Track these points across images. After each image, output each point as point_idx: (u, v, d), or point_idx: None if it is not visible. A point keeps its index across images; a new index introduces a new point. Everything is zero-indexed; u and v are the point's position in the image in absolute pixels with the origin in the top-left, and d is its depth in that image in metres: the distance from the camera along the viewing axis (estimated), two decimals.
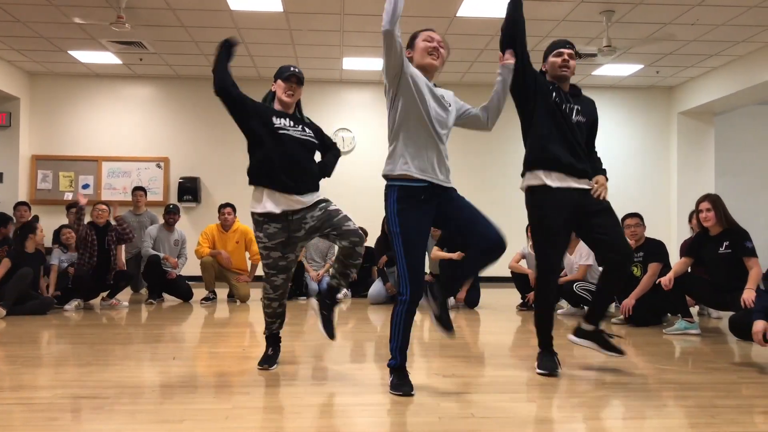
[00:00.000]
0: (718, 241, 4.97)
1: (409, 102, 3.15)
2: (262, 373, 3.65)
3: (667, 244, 6.21)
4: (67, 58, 9.27)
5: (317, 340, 4.90)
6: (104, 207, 6.96)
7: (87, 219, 6.84)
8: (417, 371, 3.70)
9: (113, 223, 7.03)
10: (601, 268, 6.54)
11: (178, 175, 10.27)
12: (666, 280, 5.05)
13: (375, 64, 9.52)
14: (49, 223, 8.82)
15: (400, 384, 3.16)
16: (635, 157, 10.72)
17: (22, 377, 3.51)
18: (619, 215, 7.51)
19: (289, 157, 3.63)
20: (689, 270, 5.32)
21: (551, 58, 3.72)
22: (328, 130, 9.70)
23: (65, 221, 8.11)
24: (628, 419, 2.85)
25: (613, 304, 6.59)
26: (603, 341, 3.76)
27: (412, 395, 3.10)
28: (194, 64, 9.59)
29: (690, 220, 6.59)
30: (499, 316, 6.53)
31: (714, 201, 5.00)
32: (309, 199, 3.63)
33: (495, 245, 3.15)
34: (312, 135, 3.77)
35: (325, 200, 3.71)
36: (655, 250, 5.85)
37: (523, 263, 7.06)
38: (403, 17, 7.66)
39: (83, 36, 8.27)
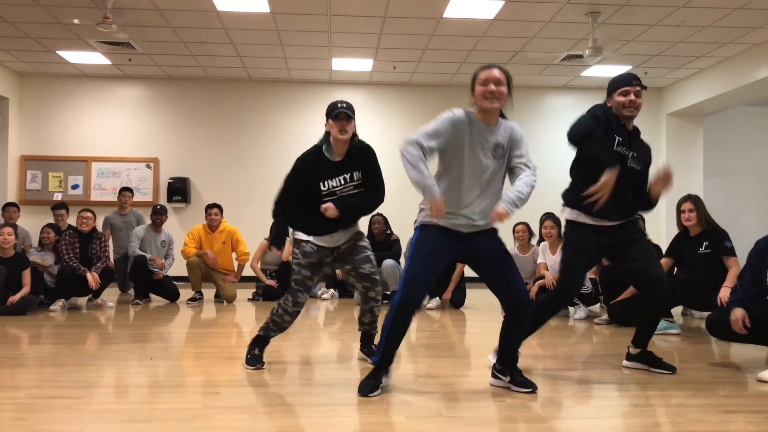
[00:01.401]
0: (697, 242, 5.00)
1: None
2: (238, 373, 3.66)
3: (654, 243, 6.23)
4: (55, 58, 9.27)
5: (303, 340, 4.92)
6: (89, 215, 6.93)
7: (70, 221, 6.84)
8: (399, 371, 3.72)
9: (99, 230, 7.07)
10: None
11: (167, 175, 10.26)
12: None
13: (365, 65, 9.53)
14: (38, 223, 8.80)
15: (363, 385, 3.19)
16: None
17: None
18: None
19: (335, 221, 3.73)
20: (675, 271, 5.35)
21: (617, 97, 3.57)
22: (319, 132, 9.71)
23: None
24: (593, 419, 2.87)
25: (598, 305, 6.61)
26: (652, 361, 3.77)
27: (368, 396, 3.10)
28: (183, 64, 9.59)
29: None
30: (483, 317, 6.55)
31: (696, 201, 5.03)
32: (345, 236, 3.81)
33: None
34: (360, 181, 3.76)
35: (360, 233, 3.89)
36: None
37: None
38: (391, 18, 7.74)
39: (71, 36, 8.27)
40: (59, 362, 3.93)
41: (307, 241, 3.76)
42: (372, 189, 3.79)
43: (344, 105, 3.73)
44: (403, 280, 3.15)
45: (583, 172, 3.61)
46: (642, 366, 3.79)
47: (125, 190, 8.48)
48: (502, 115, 3.23)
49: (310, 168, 3.75)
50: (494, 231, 3.30)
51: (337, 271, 8.01)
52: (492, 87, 3.07)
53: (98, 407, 2.91)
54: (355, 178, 3.75)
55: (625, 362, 3.89)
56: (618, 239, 3.61)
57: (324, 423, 2.73)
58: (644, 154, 3.71)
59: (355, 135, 3.79)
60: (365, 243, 3.88)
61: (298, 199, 3.78)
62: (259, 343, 3.91)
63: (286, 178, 3.82)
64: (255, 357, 3.84)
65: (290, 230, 3.90)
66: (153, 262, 7.41)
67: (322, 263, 3.81)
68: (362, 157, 3.78)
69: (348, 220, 3.81)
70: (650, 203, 3.73)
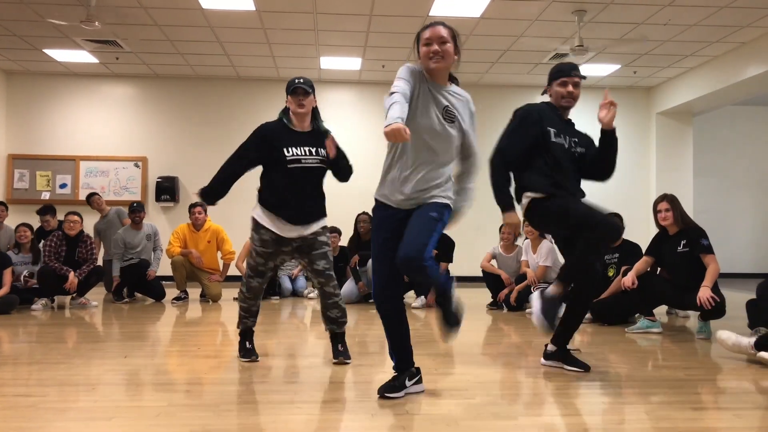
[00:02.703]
0: (676, 241, 4.99)
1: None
2: (212, 372, 3.63)
3: (644, 244, 6.19)
4: (42, 56, 9.23)
5: (290, 339, 4.90)
6: (76, 218, 6.88)
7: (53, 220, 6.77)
8: (379, 368, 3.69)
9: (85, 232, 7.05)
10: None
11: (156, 174, 10.23)
12: (629, 282, 5.05)
13: (353, 63, 9.50)
14: (26, 222, 8.77)
15: (384, 386, 3.08)
16: None
17: None
18: None
19: (299, 189, 3.77)
20: (658, 271, 5.33)
21: (556, 87, 3.59)
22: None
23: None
24: (561, 416, 2.84)
25: None
26: (567, 359, 3.72)
27: (387, 397, 3.00)
28: (171, 63, 9.56)
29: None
30: (469, 315, 6.48)
31: (672, 200, 5.02)
32: (310, 230, 3.80)
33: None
34: (324, 156, 3.80)
35: (325, 227, 3.88)
36: (631, 252, 5.86)
37: (494, 263, 7.04)
38: (377, 17, 7.72)
39: (57, 34, 8.23)
40: (33, 360, 3.90)
41: (267, 229, 3.78)
42: (338, 168, 3.88)
43: (302, 80, 3.81)
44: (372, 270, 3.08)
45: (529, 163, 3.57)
46: (557, 364, 3.73)
47: (92, 196, 8.36)
48: (454, 79, 3.04)
49: (273, 134, 3.79)
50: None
51: None
52: (435, 47, 2.86)
53: (62, 405, 2.88)
54: (321, 154, 3.79)
55: (542, 360, 3.82)
56: None
57: (286, 420, 2.70)
58: (584, 139, 3.73)
59: (316, 111, 3.88)
60: (325, 238, 3.87)
61: (265, 177, 3.84)
62: (244, 336, 4.01)
63: (241, 145, 3.88)
64: (247, 350, 3.94)
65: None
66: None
67: (279, 253, 3.85)
68: (324, 138, 3.83)
69: (315, 214, 3.81)
70: (609, 163, 3.70)
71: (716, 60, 9.02)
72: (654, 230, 9.96)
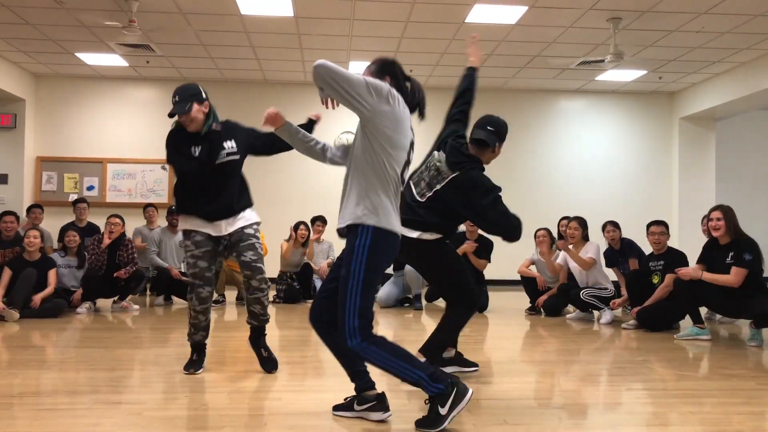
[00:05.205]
0: (725, 251, 5.06)
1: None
2: (281, 377, 3.68)
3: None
4: (73, 60, 9.27)
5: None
6: (117, 221, 6.94)
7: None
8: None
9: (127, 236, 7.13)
10: (605, 268, 6.64)
11: None
12: (695, 272, 5.12)
13: None
14: (53, 224, 8.82)
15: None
16: (636, 162, 10.81)
17: (53, 382, 3.54)
18: (617, 219, 7.46)
19: (208, 187, 3.68)
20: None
21: None
22: (334, 133, 9.75)
23: (68, 220, 8.12)
24: (651, 426, 2.91)
25: (620, 310, 6.64)
26: (462, 362, 3.83)
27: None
28: (201, 66, 9.61)
29: (702, 223, 6.68)
30: (507, 321, 6.57)
31: (726, 212, 5.10)
32: (232, 222, 3.73)
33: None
34: (233, 150, 3.72)
35: (249, 226, 3.78)
36: (676, 260, 5.91)
37: (533, 269, 7.12)
38: (413, 23, 7.77)
39: (92, 39, 8.28)
40: (108, 366, 3.94)
41: (196, 231, 3.70)
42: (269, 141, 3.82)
43: (176, 99, 3.63)
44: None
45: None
46: (456, 369, 3.76)
47: (149, 206, 8.47)
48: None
49: (177, 138, 3.70)
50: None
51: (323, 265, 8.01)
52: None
53: (165, 413, 2.94)
54: (227, 147, 3.69)
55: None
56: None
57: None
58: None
59: (209, 116, 3.71)
60: (252, 231, 3.78)
61: (181, 182, 3.76)
62: (194, 349, 3.88)
63: (169, 162, 3.77)
64: (191, 362, 3.83)
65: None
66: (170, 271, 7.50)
67: (216, 252, 3.75)
68: (231, 131, 3.76)
69: (231, 208, 3.72)
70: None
71: (742, 66, 9.10)
72: (676, 234, 10.08)
